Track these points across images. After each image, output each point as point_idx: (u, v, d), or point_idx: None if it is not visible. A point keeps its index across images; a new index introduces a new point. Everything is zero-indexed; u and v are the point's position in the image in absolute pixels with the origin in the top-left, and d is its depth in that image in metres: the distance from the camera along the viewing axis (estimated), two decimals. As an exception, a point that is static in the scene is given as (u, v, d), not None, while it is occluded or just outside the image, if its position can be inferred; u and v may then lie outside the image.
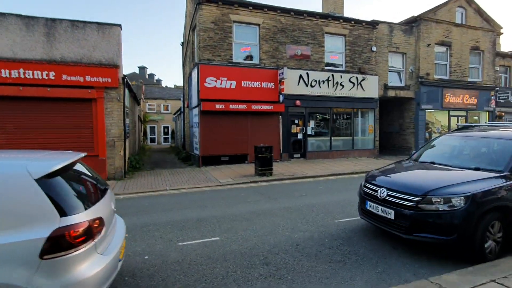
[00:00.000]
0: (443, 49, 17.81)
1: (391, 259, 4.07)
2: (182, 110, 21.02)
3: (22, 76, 9.49)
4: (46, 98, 9.75)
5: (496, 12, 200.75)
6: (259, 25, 13.71)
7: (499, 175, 4.14)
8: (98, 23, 10.36)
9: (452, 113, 18.25)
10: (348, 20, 15.43)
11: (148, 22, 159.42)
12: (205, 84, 12.64)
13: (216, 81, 12.77)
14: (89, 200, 2.84)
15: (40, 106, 9.82)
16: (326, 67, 15.03)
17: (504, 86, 20.55)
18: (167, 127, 34.13)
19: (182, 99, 20.99)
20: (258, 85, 13.49)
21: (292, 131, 14.55)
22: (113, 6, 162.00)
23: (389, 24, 16.62)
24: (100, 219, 2.79)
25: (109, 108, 10.48)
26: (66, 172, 2.84)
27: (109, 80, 10.29)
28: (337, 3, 17.42)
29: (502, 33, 24.63)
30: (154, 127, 34.77)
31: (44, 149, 7.47)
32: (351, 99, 15.44)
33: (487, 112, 19.12)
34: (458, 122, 18.29)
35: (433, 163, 5.01)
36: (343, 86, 15.16)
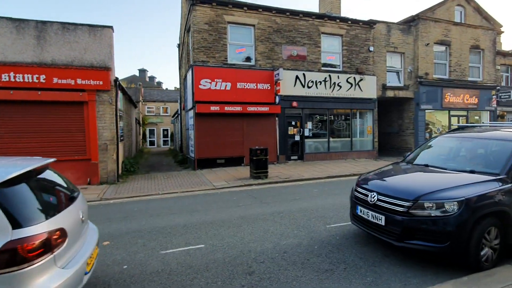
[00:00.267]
0: (442, 48, 17.57)
1: (381, 268, 3.86)
2: (179, 112, 20.89)
3: (12, 79, 9.36)
4: (37, 101, 9.61)
5: (496, 11, 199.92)
6: (254, 25, 13.55)
7: (495, 178, 3.92)
8: (89, 25, 10.23)
9: (452, 113, 17.99)
10: (344, 20, 15.25)
11: (149, 25, 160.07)
12: (199, 86, 12.48)
13: (211, 83, 12.60)
14: (51, 210, 2.66)
15: (30, 109, 9.68)
16: (323, 68, 14.83)
17: (505, 85, 20.26)
18: (167, 130, 34.01)
19: (179, 101, 20.87)
20: (254, 86, 13.31)
21: (289, 133, 14.35)
22: (114, 7, 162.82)
23: (387, 24, 16.42)
24: (62, 230, 2.60)
25: (101, 111, 10.33)
26: (28, 179, 2.67)
27: (101, 82, 10.14)
28: (333, 3, 17.23)
29: (503, 32, 24.34)
30: (154, 129, 34.67)
31: (33, 154, 7.32)
32: (349, 99, 15.23)
33: (489, 112, 18.84)
34: (459, 122, 18.03)
35: (426, 165, 4.79)
36: (340, 87, 14.95)
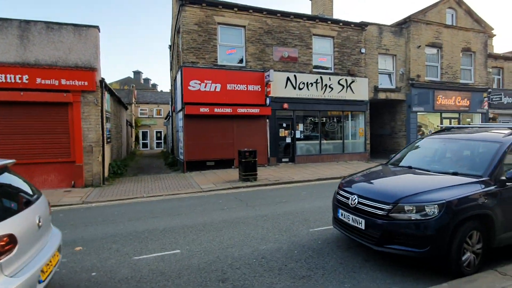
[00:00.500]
0: (434, 50, 17.60)
1: (361, 273, 3.71)
2: (170, 114, 20.71)
3: (-6, 79, 9.13)
4: (19, 102, 9.38)
5: (487, 14, 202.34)
6: (244, 27, 13.44)
7: (477, 180, 3.80)
8: (74, 25, 10.04)
9: (444, 115, 18.00)
10: (336, 21, 15.20)
11: (146, 27, 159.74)
12: (189, 87, 12.32)
13: (200, 84, 12.45)
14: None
15: (13, 110, 9.45)
16: (314, 69, 14.75)
17: (497, 87, 20.34)
18: (160, 132, 33.73)
19: (170, 103, 20.68)
20: (244, 88, 13.18)
21: (280, 135, 14.22)
22: (112, 8, 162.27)
23: (379, 26, 16.41)
24: (11, 236, 2.43)
25: (86, 112, 10.12)
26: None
27: (86, 83, 9.94)
28: (326, 5, 17.21)
29: (495, 35, 24.54)
30: (147, 132, 34.38)
31: (15, 156, 7.08)
32: (340, 101, 15.15)
33: (480, 114, 18.88)
34: (450, 124, 18.03)
35: (410, 167, 4.67)
36: (332, 89, 14.87)
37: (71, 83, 9.78)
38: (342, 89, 15.08)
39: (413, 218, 3.53)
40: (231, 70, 13.08)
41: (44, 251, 2.90)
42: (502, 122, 20.05)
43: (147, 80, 55.45)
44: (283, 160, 14.31)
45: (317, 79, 14.58)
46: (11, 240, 2.43)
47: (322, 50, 15.12)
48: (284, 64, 14.15)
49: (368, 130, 16.17)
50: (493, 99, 19.02)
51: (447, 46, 17.74)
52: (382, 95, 16.49)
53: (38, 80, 9.44)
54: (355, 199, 4.08)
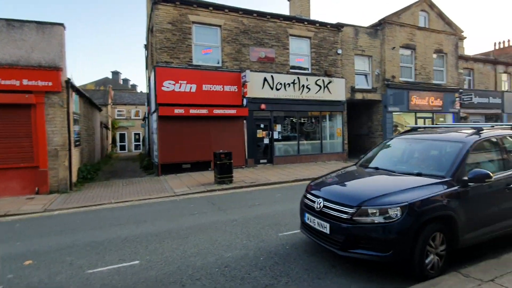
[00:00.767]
0: (408, 52, 18.00)
1: (326, 280, 3.59)
2: (146, 115, 20.14)
3: None
4: (-25, 104, 8.75)
5: (458, 18, 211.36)
6: (220, 26, 13.21)
7: (440, 181, 3.77)
8: (37, 22, 9.49)
9: (418, 115, 18.44)
10: (312, 22, 15.24)
11: (126, 26, 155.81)
12: (162, 88, 11.95)
13: (174, 84, 12.11)
14: None
15: (-32, 113, 8.80)
16: (291, 70, 14.71)
17: (468, 88, 21.06)
18: (138, 134, 32.79)
19: (146, 104, 20.13)
20: (220, 88, 12.94)
21: (258, 136, 14.08)
22: (91, 7, 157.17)
23: (354, 27, 16.60)
24: None
25: (51, 115, 9.58)
26: None
27: (50, 83, 9.41)
28: (303, 6, 17.24)
29: (465, 37, 25.45)
30: (124, 134, 33.36)
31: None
32: (318, 102, 15.19)
33: (452, 114, 19.48)
34: (424, 123, 18.49)
35: (377, 168, 4.61)
36: (309, 89, 14.89)
37: (34, 84, 9.22)
38: (319, 90, 15.12)
39: (376, 222, 3.44)
40: (207, 70, 12.82)
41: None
42: (473, 122, 20.80)
43: (126, 81, 53.98)
44: (261, 161, 14.17)
45: (294, 80, 14.54)
46: None
47: (299, 51, 15.11)
48: (261, 64, 14.03)
49: (346, 130, 16.31)
50: (464, 99, 19.64)
51: (420, 48, 18.20)
52: (359, 96, 16.68)
53: (-3, 81, 8.84)
54: (321, 202, 3.97)
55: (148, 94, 15.91)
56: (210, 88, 12.75)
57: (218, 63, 13.27)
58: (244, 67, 13.53)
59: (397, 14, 17.53)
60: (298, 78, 14.62)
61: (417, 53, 18.11)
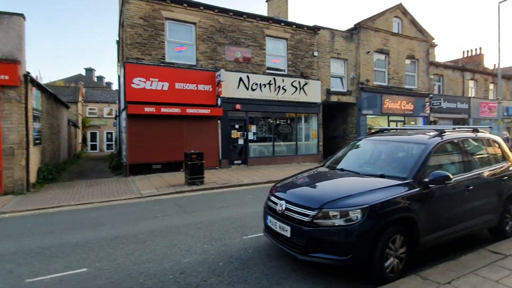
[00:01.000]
0: (382, 56, 18.44)
1: (284, 285, 3.44)
2: (117, 114, 19.40)
3: None
4: None
5: (430, 26, 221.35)
6: (195, 23, 12.89)
7: (402, 182, 3.72)
8: (-8, 11, 8.81)
9: (391, 118, 18.90)
10: (289, 24, 15.25)
11: (102, 22, 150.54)
12: (132, 85, 11.47)
13: (145, 82, 11.66)
14: None
15: None
16: (267, 71, 14.62)
17: (437, 93, 21.88)
18: (111, 133, 31.56)
19: (117, 102, 19.38)
20: (194, 87, 12.62)
21: (233, 136, 13.85)
22: (66, 0, 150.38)
23: (331, 30, 16.78)
24: None
25: (7, 110, 8.91)
26: None
27: (6, 77, 8.74)
28: (281, 8, 17.26)
29: (436, 45, 26.54)
30: (96, 133, 32.00)
31: None
32: (293, 103, 15.19)
33: (423, 118, 20.14)
34: (397, 126, 18.98)
35: (342, 169, 4.54)
36: (285, 90, 14.85)
37: (-14, 77, 8.53)
38: (295, 91, 15.13)
39: (336, 224, 3.33)
40: (180, 68, 12.45)
41: None
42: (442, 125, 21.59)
43: (100, 78, 52.02)
44: (235, 162, 13.95)
45: (270, 81, 14.46)
46: None
47: (276, 52, 15.06)
48: (237, 64, 13.84)
49: (321, 132, 16.42)
50: (434, 103, 20.42)
51: (393, 53, 18.69)
52: (334, 98, 16.86)
53: None
54: (283, 205, 3.82)
55: (119, 92, 15.28)
56: (184, 87, 12.40)
57: (193, 61, 12.94)
58: (219, 66, 13.28)
59: (372, 19, 17.92)
60: (274, 79, 14.55)
61: (391, 58, 18.59)
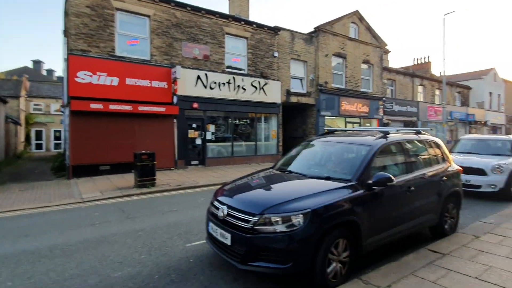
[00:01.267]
0: (340, 60, 19.00)
1: (223, 298, 3.17)
2: (62, 110, 17.85)
3: None
4: None
5: (385, 34, 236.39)
6: (149, 16, 12.19)
7: (346, 185, 3.64)
8: None
9: (348, 120, 19.56)
10: (250, 23, 15.08)
11: (51, 11, 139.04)
12: (76, 79, 10.52)
13: (92, 76, 10.75)
14: None
15: None
16: (227, 69, 14.31)
17: (390, 97, 23.12)
18: (60, 131, 29.07)
19: (63, 97, 17.83)
20: (148, 83, 11.92)
21: (190, 136, 13.33)
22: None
23: (291, 32, 16.90)
24: None
25: None
26: None
27: None
28: (242, 6, 17.03)
29: (390, 51, 28.06)
30: (42, 130, 29.28)
31: None
32: (253, 103, 15.04)
33: (377, 120, 21.14)
34: (353, 128, 19.68)
35: (290, 172, 4.39)
36: (245, 90, 14.65)
37: None
38: (255, 91, 14.99)
39: (278, 231, 3.14)
40: (132, 62, 11.68)
41: None
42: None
43: (50, 72, 47.84)
44: (193, 163, 13.45)
45: (229, 79, 14.16)
46: None
47: (236, 50, 14.80)
48: (195, 61, 13.34)
49: (280, 132, 16.47)
50: (387, 107, 21.53)
51: (350, 57, 19.36)
52: (294, 99, 17.01)
53: None
54: (225, 210, 3.56)
55: (63, 87, 14.01)
56: (136, 83, 11.65)
57: (146, 56, 12.22)
58: (175, 62, 12.70)
59: (331, 23, 18.38)
60: (233, 78, 14.28)
61: (348, 62, 19.23)
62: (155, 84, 12.06)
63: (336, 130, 5.64)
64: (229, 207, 3.56)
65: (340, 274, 3.41)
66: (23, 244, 4.70)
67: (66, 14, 12.22)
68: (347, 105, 18.97)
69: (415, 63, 31.24)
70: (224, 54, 14.23)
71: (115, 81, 11.16)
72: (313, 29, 18.03)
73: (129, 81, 11.46)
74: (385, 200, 3.91)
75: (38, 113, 29.09)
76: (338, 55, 18.73)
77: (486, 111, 31.29)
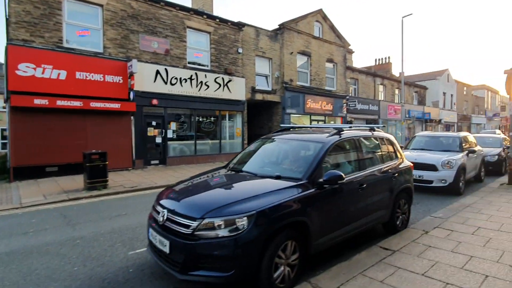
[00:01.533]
0: (305, 58, 19.15)
1: (159, 313, 2.86)
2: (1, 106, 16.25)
3: None
4: None
5: (349, 35, 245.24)
6: (102, 6, 11.35)
7: (296, 184, 3.47)
8: None
9: (313, 117, 19.82)
10: (212, 17, 14.65)
11: None
12: (17, 71, 9.51)
13: (35, 68, 9.78)
14: None
15: None
16: (189, 65, 13.79)
17: (353, 95, 23.79)
18: (6, 129, 26.55)
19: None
20: (101, 78, 11.11)
21: (149, 134, 12.66)
22: None
23: (256, 28, 16.70)
24: None
25: None
26: None
27: None
28: (206, 1, 16.51)
29: (353, 51, 28.90)
30: (-14, 129, 26.63)
31: None
32: (217, 100, 14.65)
33: (341, 118, 21.65)
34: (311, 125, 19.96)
35: (240, 171, 4.16)
36: (208, 86, 14.22)
37: None
38: (218, 88, 14.61)
39: (220, 235, 2.88)
40: (83, 55, 10.80)
41: None
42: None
43: (1, 66, 43.69)
44: (153, 162, 12.81)
45: (192, 75, 13.66)
46: None
47: (198, 45, 14.31)
48: (154, 55, 12.69)
49: (245, 130, 16.24)
50: (350, 105, 22.12)
51: (315, 56, 19.59)
52: (259, 96, 16.85)
53: None
54: (165, 214, 3.24)
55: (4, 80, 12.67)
56: (87, 77, 10.80)
57: (99, 48, 11.38)
58: (132, 56, 11.97)
59: (295, 21, 18.43)
60: (196, 74, 13.79)
61: (312, 60, 19.43)
62: (109, 78, 11.27)
63: (293, 127, 5.49)
64: (169, 211, 3.24)
65: (288, 278, 3.23)
66: None
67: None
68: (312, 103, 19.19)
69: (377, 63, 32.51)
70: (186, 48, 13.70)
71: (62, 74, 10.25)
72: (278, 26, 17.97)
73: (79, 75, 10.59)
74: (336, 198, 3.81)
75: (-19, 109, 26.31)
76: (303, 53, 18.86)
77: (440, 109, 33.39)
